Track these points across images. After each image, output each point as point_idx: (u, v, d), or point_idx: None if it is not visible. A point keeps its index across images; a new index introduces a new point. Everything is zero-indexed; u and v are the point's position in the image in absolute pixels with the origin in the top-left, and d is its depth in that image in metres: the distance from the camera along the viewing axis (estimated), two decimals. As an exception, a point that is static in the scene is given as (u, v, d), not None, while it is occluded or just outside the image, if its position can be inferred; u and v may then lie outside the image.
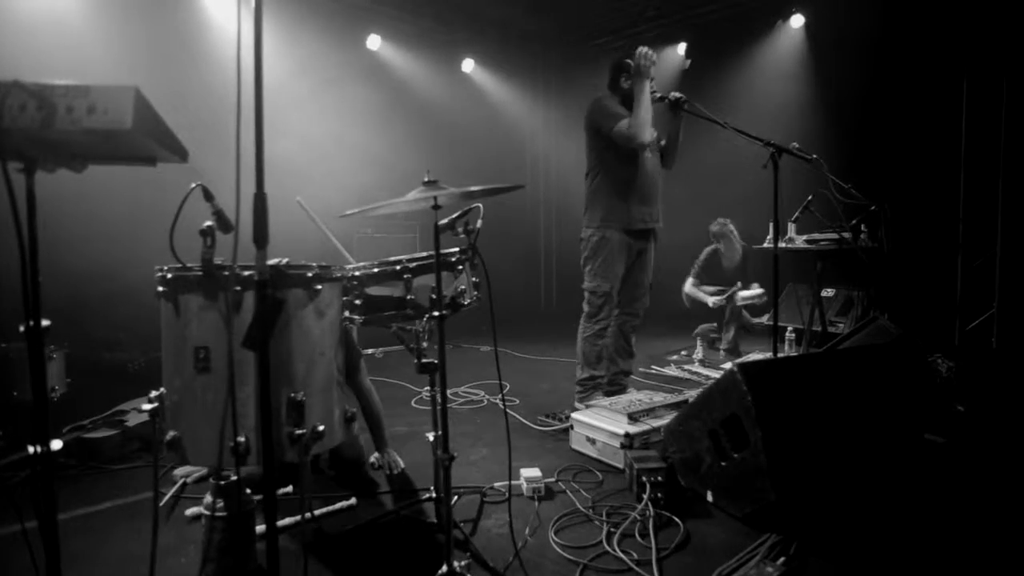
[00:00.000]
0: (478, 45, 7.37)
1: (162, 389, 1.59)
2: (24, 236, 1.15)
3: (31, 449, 1.14)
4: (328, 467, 2.62)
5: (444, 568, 1.75)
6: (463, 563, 1.83)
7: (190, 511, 2.22)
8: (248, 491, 1.71)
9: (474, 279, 2.20)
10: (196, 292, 1.55)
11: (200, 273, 1.53)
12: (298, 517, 2.11)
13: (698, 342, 5.02)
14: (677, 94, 3.30)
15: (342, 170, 5.80)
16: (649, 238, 3.58)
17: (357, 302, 2.04)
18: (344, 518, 2.25)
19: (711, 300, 5.20)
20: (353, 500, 2.38)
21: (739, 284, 5.22)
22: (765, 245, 5.25)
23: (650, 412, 2.88)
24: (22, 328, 1.17)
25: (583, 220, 3.53)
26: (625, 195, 3.40)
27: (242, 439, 1.48)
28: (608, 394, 3.51)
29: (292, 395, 1.58)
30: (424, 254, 2.09)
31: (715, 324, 5.36)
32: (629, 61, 3.30)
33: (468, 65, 7.44)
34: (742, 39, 6.53)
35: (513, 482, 2.44)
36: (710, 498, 2.32)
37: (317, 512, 2.25)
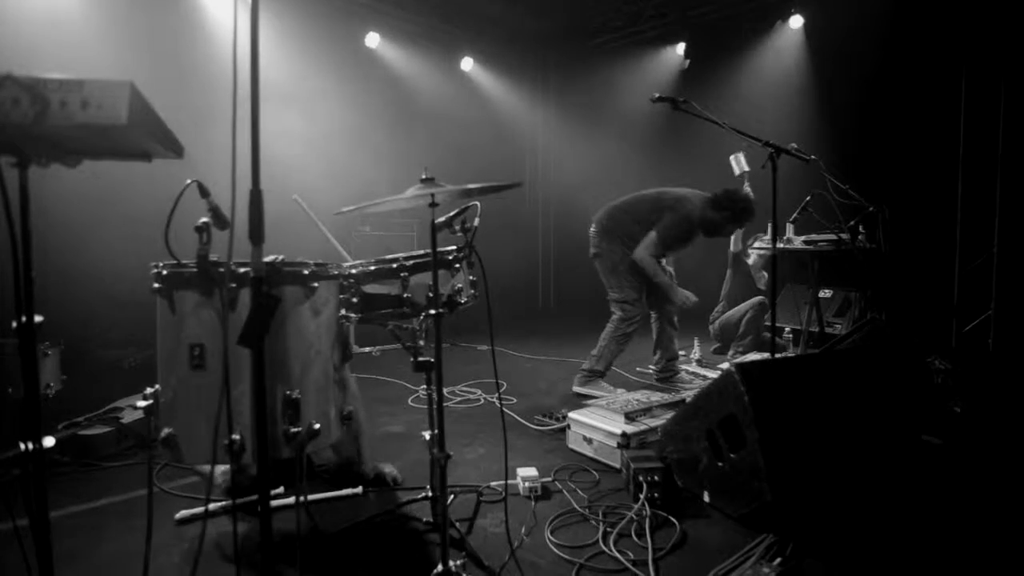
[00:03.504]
0: (477, 43, 7.36)
1: (157, 386, 1.58)
2: (17, 232, 1.14)
3: (23, 446, 1.13)
4: (322, 470, 2.58)
5: (439, 567, 1.74)
6: (459, 563, 1.82)
7: (179, 515, 2.19)
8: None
9: (471, 277, 2.19)
10: (191, 289, 1.54)
11: (195, 270, 1.52)
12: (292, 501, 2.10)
13: (695, 342, 5.01)
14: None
15: (339, 167, 5.79)
16: None
17: (354, 300, 2.03)
18: (340, 517, 2.24)
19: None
20: (359, 488, 2.40)
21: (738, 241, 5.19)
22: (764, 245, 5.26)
23: (647, 412, 2.88)
24: (15, 324, 1.16)
25: (615, 239, 3.93)
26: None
27: (237, 437, 1.47)
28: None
29: (288, 393, 1.57)
30: (421, 252, 2.08)
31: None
32: (739, 210, 3.82)
33: (467, 63, 7.42)
34: (741, 39, 6.54)
35: (510, 481, 2.44)
36: (707, 498, 2.32)
37: (317, 497, 2.27)
